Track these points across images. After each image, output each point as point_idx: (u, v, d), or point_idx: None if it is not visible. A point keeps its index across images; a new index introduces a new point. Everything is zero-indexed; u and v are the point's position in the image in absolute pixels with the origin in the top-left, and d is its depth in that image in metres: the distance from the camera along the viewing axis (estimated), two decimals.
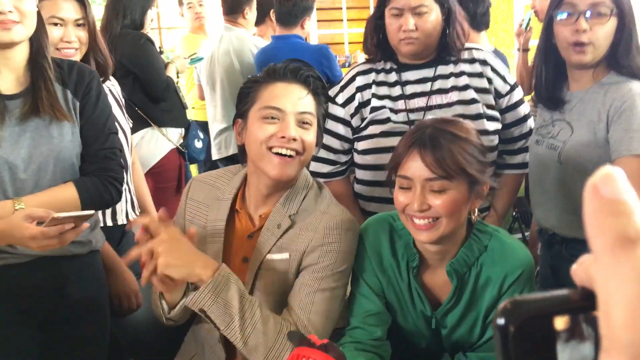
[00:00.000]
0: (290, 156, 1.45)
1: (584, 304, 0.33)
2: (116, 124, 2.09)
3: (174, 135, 3.34)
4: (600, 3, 1.69)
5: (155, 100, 3.25)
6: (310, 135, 1.49)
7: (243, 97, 1.54)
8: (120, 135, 2.10)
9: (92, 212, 1.99)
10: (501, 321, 0.33)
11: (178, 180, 3.39)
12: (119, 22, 3.13)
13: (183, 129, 3.41)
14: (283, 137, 1.43)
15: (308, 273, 1.46)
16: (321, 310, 1.44)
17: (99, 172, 1.64)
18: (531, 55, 4.00)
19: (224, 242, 1.53)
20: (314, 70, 1.55)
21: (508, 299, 0.34)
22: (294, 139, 1.44)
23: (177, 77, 3.48)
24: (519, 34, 3.87)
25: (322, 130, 1.58)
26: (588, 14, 1.69)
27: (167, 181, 3.37)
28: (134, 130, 3.17)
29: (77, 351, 1.73)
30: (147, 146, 3.30)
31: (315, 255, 1.46)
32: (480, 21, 3.19)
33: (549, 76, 1.85)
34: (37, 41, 1.58)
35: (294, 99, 1.48)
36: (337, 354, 1.19)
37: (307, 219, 1.49)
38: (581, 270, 0.34)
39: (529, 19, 3.80)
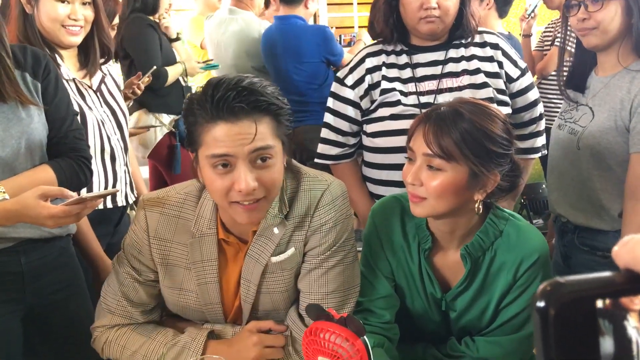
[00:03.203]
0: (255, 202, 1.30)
1: (629, 287, 0.32)
2: (117, 105, 2.12)
3: (167, 119, 3.30)
4: None
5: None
6: (272, 172, 1.29)
7: (188, 125, 1.31)
8: (120, 117, 2.12)
9: (117, 189, 2.00)
10: (541, 303, 0.32)
11: (170, 160, 3.35)
12: (130, 5, 3.13)
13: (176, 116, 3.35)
14: (240, 191, 1.25)
15: (313, 256, 1.43)
16: (337, 287, 1.43)
17: (71, 153, 1.63)
18: (534, 41, 4.00)
19: (218, 277, 1.44)
20: (271, 89, 1.29)
21: (548, 281, 0.32)
22: (254, 189, 1.26)
23: (185, 79, 3.38)
24: (522, 18, 3.87)
25: (290, 148, 1.37)
26: (587, 2, 1.71)
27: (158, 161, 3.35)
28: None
29: (64, 337, 1.72)
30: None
31: (317, 237, 1.42)
32: (506, 10, 3.22)
33: (576, 61, 1.87)
34: None
35: (242, 140, 1.24)
36: (357, 327, 1.16)
37: (296, 205, 1.42)
38: (625, 251, 0.32)
39: (535, 6, 3.79)
